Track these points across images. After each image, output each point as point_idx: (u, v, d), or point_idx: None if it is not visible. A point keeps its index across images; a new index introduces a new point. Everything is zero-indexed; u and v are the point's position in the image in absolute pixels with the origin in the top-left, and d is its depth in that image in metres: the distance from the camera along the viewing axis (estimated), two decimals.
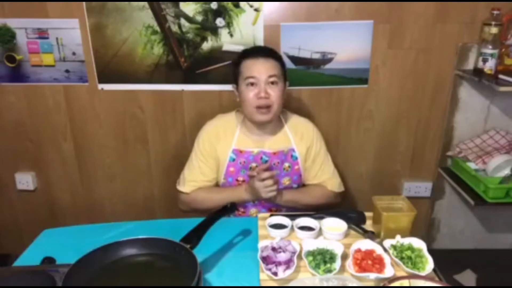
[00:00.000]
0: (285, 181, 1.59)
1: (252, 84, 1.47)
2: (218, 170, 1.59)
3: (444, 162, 2.00)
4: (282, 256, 1.11)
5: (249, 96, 1.48)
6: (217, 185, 1.63)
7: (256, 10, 1.78)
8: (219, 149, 1.57)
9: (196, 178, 1.58)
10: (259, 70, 1.47)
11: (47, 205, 2.17)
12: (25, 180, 2.11)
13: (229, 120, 1.61)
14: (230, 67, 1.81)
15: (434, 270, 1.10)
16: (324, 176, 1.62)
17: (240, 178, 1.57)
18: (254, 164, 1.56)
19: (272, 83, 1.48)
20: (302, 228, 1.29)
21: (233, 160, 1.56)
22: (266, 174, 1.44)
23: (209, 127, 1.61)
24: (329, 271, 1.07)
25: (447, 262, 1.34)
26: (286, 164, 1.58)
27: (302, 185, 1.66)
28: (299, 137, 1.59)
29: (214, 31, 1.81)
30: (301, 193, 1.61)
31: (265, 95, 1.46)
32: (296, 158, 1.59)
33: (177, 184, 1.62)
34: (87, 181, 2.12)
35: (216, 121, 1.63)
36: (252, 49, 1.56)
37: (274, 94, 1.48)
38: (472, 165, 1.81)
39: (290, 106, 1.78)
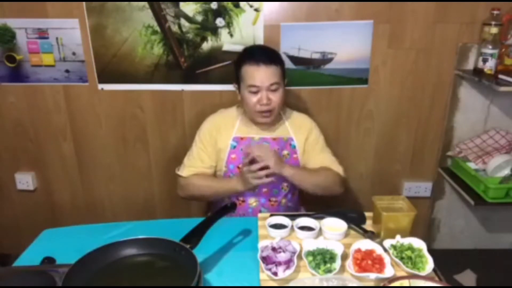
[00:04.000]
0: None
1: (254, 92, 1.52)
2: (218, 159, 1.62)
3: (444, 162, 2.00)
4: (282, 256, 1.11)
5: (252, 101, 1.53)
6: (215, 174, 1.67)
7: (256, 10, 1.78)
8: (219, 139, 1.61)
9: (195, 164, 1.63)
10: (261, 78, 1.49)
11: (47, 205, 2.17)
12: (25, 180, 2.11)
13: (230, 114, 1.67)
14: (231, 66, 1.82)
15: (434, 270, 1.10)
16: (325, 162, 1.63)
17: (241, 165, 1.59)
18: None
19: (273, 89, 1.52)
20: (302, 228, 1.29)
21: (234, 147, 1.61)
22: (255, 166, 1.45)
23: (211, 120, 1.67)
24: (329, 271, 1.07)
25: (447, 262, 1.34)
26: (285, 152, 1.62)
27: None
28: (297, 129, 1.64)
29: (214, 31, 1.81)
30: (307, 170, 1.62)
31: (267, 102, 1.51)
32: (295, 147, 1.63)
33: (177, 170, 1.66)
34: (87, 181, 2.12)
35: (218, 115, 1.68)
36: (253, 52, 1.55)
37: (276, 99, 1.53)
38: (472, 165, 1.81)
39: (290, 106, 1.78)
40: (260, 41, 1.82)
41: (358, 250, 1.14)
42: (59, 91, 1.95)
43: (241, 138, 1.61)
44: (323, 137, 1.69)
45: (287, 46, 1.82)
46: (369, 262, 1.09)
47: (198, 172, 1.62)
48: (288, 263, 1.09)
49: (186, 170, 1.63)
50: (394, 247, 1.16)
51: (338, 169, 1.64)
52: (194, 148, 1.65)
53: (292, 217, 1.32)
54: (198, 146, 1.64)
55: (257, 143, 1.60)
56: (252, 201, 1.61)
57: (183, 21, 1.80)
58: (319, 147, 1.66)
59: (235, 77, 1.60)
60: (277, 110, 1.55)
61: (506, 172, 1.71)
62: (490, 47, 1.70)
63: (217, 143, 1.61)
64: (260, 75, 1.49)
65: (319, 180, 1.58)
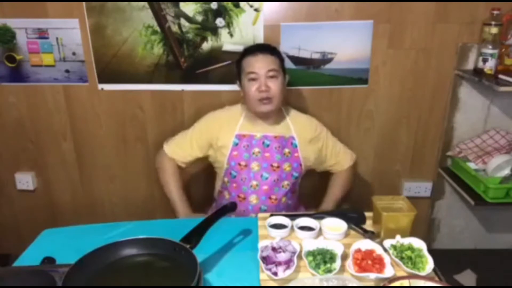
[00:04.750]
0: (286, 166, 1.63)
1: (253, 79, 1.56)
2: (220, 154, 1.65)
3: (444, 162, 2.00)
4: (282, 256, 1.11)
5: (252, 90, 1.56)
6: (215, 170, 1.75)
7: (256, 10, 1.78)
8: (221, 137, 1.64)
9: (183, 146, 1.70)
10: (259, 65, 1.56)
11: (47, 205, 2.17)
12: (25, 180, 2.11)
13: (235, 110, 1.71)
14: (231, 66, 1.82)
15: (434, 270, 1.10)
16: (338, 154, 1.76)
17: (243, 163, 1.62)
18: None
19: (272, 76, 1.56)
20: (302, 228, 1.29)
21: (236, 144, 1.63)
22: None
23: (215, 115, 1.71)
24: (329, 271, 1.07)
25: (447, 262, 1.34)
26: (286, 150, 1.64)
27: (302, 175, 1.72)
28: (300, 128, 1.67)
29: (214, 31, 1.81)
30: (336, 190, 1.77)
31: (265, 88, 1.55)
32: (296, 146, 1.65)
33: (165, 142, 1.74)
34: (87, 181, 2.12)
35: (223, 112, 1.72)
36: (251, 47, 1.65)
37: (275, 86, 1.56)
38: (472, 165, 1.81)
39: (290, 106, 1.78)
40: (260, 41, 1.81)
41: (358, 250, 1.14)
42: (59, 91, 1.95)
43: (243, 136, 1.63)
44: (328, 131, 1.75)
45: (287, 46, 1.82)
46: (369, 262, 1.09)
47: (181, 158, 1.70)
48: (288, 263, 1.09)
49: (172, 148, 1.71)
50: (394, 247, 1.16)
51: (347, 159, 1.78)
52: (189, 132, 1.70)
53: (292, 217, 1.32)
54: (194, 131, 1.69)
55: (259, 140, 1.62)
56: (252, 199, 1.62)
57: (183, 21, 1.80)
58: (330, 144, 1.74)
59: (237, 75, 1.65)
60: (277, 100, 1.57)
61: (506, 172, 1.71)
62: (490, 47, 1.70)
63: (219, 140, 1.64)
64: (257, 62, 1.56)
65: (344, 190, 1.79)
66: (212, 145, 1.67)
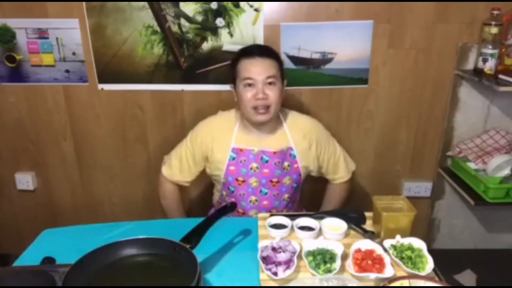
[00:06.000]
0: (286, 180, 1.57)
1: (249, 85, 1.45)
2: (216, 168, 1.57)
3: (444, 162, 2.00)
4: (282, 256, 1.11)
5: (247, 97, 1.46)
6: (213, 183, 1.69)
7: (256, 10, 1.78)
8: (216, 149, 1.55)
9: (181, 166, 1.62)
10: (257, 70, 1.44)
11: (47, 205, 2.17)
12: (25, 180, 2.11)
13: (228, 118, 1.60)
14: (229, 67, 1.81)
15: (434, 270, 1.10)
16: (337, 162, 1.67)
17: (240, 178, 1.55)
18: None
19: (270, 83, 1.45)
20: (302, 228, 1.29)
21: (233, 159, 1.54)
22: None
23: (207, 127, 1.60)
24: (329, 271, 1.07)
25: (447, 262, 1.35)
26: (286, 163, 1.56)
27: (302, 184, 1.67)
28: (300, 135, 1.57)
29: (214, 31, 1.81)
30: (332, 204, 1.72)
31: (263, 96, 1.44)
32: (295, 157, 1.56)
33: (163, 163, 1.67)
34: (87, 181, 2.12)
35: (215, 121, 1.61)
36: (248, 48, 1.53)
37: (273, 94, 1.45)
38: (472, 165, 1.81)
39: (290, 106, 1.77)
40: (260, 41, 1.81)
41: (358, 250, 1.14)
42: (59, 91, 1.95)
43: (240, 150, 1.53)
44: (327, 133, 1.65)
45: (287, 46, 1.82)
46: (369, 262, 1.09)
47: (182, 178, 1.64)
48: (288, 263, 1.09)
49: (171, 170, 1.63)
50: (394, 247, 1.16)
51: (344, 171, 1.68)
52: (183, 149, 1.61)
53: (292, 217, 1.32)
54: (187, 147, 1.60)
55: (257, 155, 1.53)
56: (252, 213, 1.57)
57: (183, 21, 1.80)
58: (332, 150, 1.64)
59: (231, 78, 1.56)
60: (274, 109, 1.47)
61: (506, 172, 1.71)
62: (490, 47, 1.70)
63: (214, 154, 1.56)
64: (255, 67, 1.44)
65: (338, 205, 1.72)
66: (208, 158, 1.58)
